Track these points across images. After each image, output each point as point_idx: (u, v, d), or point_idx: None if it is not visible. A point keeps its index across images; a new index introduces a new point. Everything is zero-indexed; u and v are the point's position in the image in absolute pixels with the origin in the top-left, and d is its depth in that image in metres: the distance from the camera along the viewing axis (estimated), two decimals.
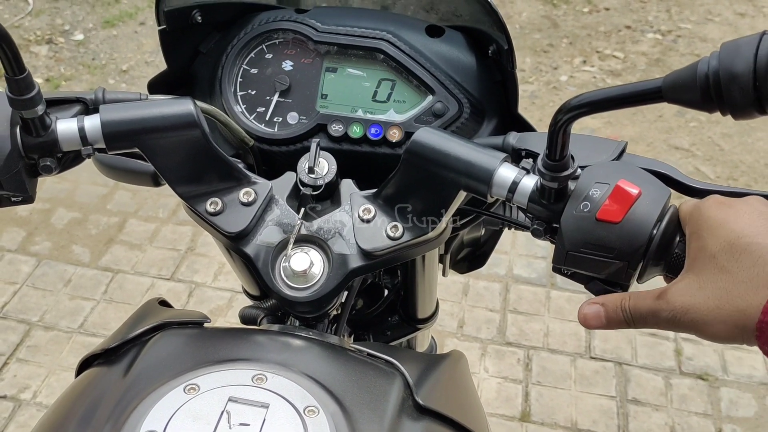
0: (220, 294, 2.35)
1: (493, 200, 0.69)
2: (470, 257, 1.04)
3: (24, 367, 2.11)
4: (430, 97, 0.83)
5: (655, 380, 2.18)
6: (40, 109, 0.67)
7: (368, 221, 0.74)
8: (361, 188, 0.79)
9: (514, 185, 0.65)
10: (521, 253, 2.57)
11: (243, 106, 0.86)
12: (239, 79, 0.87)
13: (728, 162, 3.19)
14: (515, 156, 0.72)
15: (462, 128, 0.83)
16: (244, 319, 0.90)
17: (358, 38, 0.85)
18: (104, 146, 0.70)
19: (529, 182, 0.65)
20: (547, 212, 0.64)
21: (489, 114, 0.85)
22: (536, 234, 0.65)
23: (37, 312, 2.28)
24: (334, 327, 0.85)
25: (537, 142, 0.72)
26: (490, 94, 0.85)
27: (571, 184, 0.62)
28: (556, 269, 0.64)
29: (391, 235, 0.73)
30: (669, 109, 3.51)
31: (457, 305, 2.38)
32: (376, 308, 1.01)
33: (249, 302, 1.01)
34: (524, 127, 0.82)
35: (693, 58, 3.90)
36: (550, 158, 0.60)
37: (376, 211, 0.74)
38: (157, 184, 1.01)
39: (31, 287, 2.36)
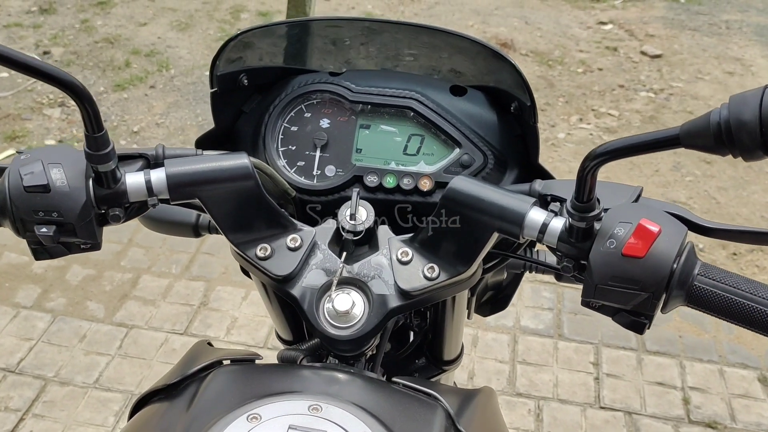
0: (234, 348, 2.38)
1: (523, 241, 0.76)
2: (493, 300, 1.10)
3: (40, 423, 2.13)
4: (457, 150, 0.91)
5: (665, 429, 2.20)
6: (113, 163, 0.73)
7: (406, 263, 0.80)
8: (396, 234, 0.85)
9: (544, 226, 0.72)
10: (528, 304, 2.62)
11: (285, 161, 0.94)
12: (281, 136, 0.94)
13: (725, 215, 3.27)
14: (541, 201, 0.78)
15: (486, 178, 0.90)
16: (284, 360, 0.95)
17: (389, 98, 0.93)
18: (168, 197, 0.77)
19: (558, 223, 0.71)
20: (575, 250, 0.70)
21: (511, 164, 0.93)
22: (566, 270, 0.71)
23: (52, 367, 2.31)
24: (370, 366, 0.90)
25: (560, 187, 0.79)
26: (511, 147, 0.93)
27: (597, 224, 0.69)
28: (585, 303, 0.70)
29: (428, 275, 0.79)
30: (665, 163, 3.62)
31: (466, 357, 2.41)
32: (404, 351, 1.06)
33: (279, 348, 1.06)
34: (545, 175, 0.89)
35: (686, 115, 4.03)
36: (579, 200, 0.67)
37: (413, 254, 0.80)
38: (197, 234, 1.08)
39: (47, 343, 2.39)
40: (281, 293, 0.82)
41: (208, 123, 3.69)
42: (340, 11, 5.23)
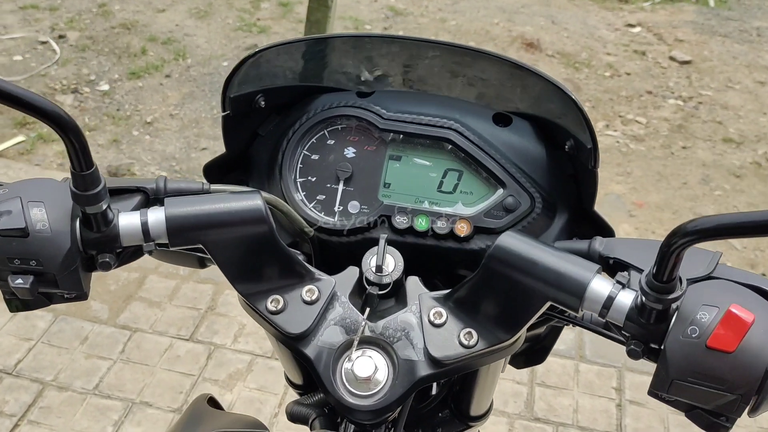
0: (240, 357, 2.29)
1: (581, 314, 0.65)
2: (529, 352, 0.99)
3: (35, 430, 2.04)
4: (500, 191, 0.80)
5: None
6: (104, 204, 0.63)
7: (439, 326, 0.69)
8: (425, 284, 0.74)
9: (609, 300, 0.61)
10: None
11: (303, 194, 0.83)
12: (300, 165, 0.84)
13: None
14: (603, 264, 0.67)
15: (533, 224, 0.79)
16: (293, 416, 0.85)
17: (424, 127, 0.82)
18: (167, 241, 0.66)
19: (626, 299, 0.60)
20: (646, 333, 0.59)
21: (560, 209, 0.81)
22: (633, 355, 0.60)
23: (51, 371, 2.22)
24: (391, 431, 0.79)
25: (627, 250, 0.67)
26: (561, 188, 0.82)
27: (674, 304, 0.58)
28: (654, 394, 0.59)
29: (465, 342, 0.68)
30: (693, 176, 3.48)
31: None
32: (426, 405, 0.96)
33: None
34: (601, 226, 0.78)
35: (715, 125, 3.88)
36: (658, 279, 0.55)
37: (447, 315, 0.69)
38: (202, 266, 0.97)
39: (47, 344, 2.30)
40: (294, 351, 0.71)
41: None
42: (362, 3, 5.10)
